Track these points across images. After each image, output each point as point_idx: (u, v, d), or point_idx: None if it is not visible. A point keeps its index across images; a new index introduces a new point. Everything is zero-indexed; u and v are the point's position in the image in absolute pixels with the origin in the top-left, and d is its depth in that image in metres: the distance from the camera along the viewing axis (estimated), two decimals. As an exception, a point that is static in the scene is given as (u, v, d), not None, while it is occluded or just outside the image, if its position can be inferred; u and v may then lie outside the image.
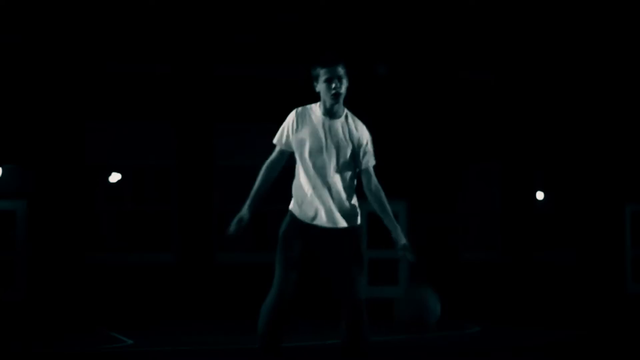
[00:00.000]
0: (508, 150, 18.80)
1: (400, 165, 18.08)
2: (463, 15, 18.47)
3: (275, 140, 5.57)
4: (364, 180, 5.51)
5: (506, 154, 18.81)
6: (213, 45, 17.41)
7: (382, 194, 5.50)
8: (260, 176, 5.59)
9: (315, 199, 5.42)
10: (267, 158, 5.69)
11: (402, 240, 5.40)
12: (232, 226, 5.58)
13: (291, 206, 5.53)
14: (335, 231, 5.42)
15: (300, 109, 5.54)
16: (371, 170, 5.51)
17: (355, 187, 5.52)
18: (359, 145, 5.48)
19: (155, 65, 17.16)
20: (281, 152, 5.56)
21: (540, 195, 19.29)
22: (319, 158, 5.42)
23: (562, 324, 12.68)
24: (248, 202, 5.59)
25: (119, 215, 17.27)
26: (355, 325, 5.44)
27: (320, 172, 5.43)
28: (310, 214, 5.43)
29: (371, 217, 13.02)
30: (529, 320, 14.03)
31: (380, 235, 17.08)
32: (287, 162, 5.68)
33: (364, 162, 5.49)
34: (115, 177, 17.27)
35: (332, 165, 5.42)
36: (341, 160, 5.44)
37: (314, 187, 5.43)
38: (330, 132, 5.45)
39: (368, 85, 17.85)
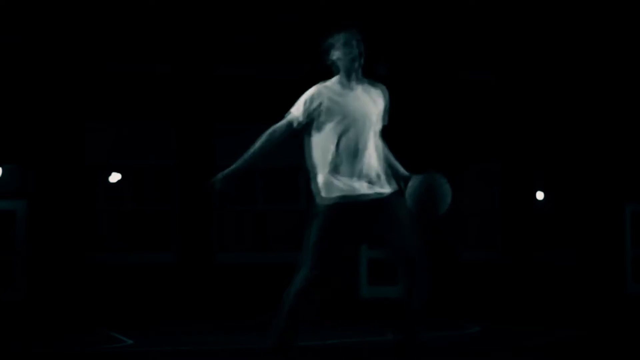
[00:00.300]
0: (508, 150, 18.80)
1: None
2: (463, 15, 18.47)
3: (293, 110, 5.44)
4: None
5: (506, 154, 18.80)
6: (213, 45, 17.41)
7: (385, 147, 5.55)
8: (262, 142, 5.48)
9: (351, 171, 5.30)
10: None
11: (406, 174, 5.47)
12: (220, 182, 5.46)
13: (325, 192, 5.36)
14: (382, 200, 5.33)
15: (321, 84, 5.46)
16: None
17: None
18: (383, 107, 5.48)
19: (155, 65, 17.16)
20: (291, 124, 5.44)
21: (540, 195, 19.29)
22: (352, 128, 5.32)
23: (562, 324, 12.67)
24: (240, 162, 5.49)
25: (119, 215, 17.27)
26: (418, 285, 5.30)
27: (355, 142, 5.33)
28: (349, 188, 5.29)
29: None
30: (529, 320, 14.02)
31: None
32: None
33: (382, 121, 5.51)
34: (115, 177, 17.27)
35: (364, 133, 5.34)
36: (372, 126, 5.37)
37: (348, 159, 5.31)
38: (358, 99, 5.37)
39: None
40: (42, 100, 16.57)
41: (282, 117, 5.70)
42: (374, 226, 5.31)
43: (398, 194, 5.38)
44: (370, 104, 5.40)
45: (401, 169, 5.54)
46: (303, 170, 5.52)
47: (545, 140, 18.93)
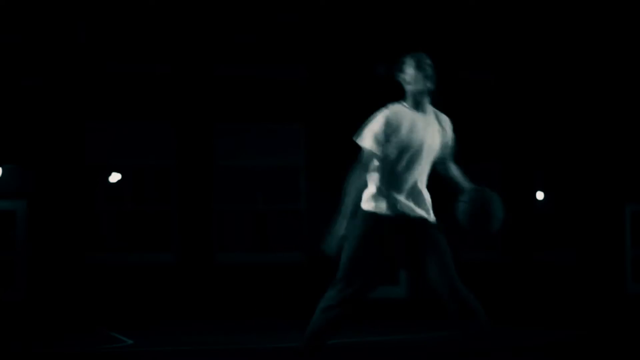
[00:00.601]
0: (508, 150, 18.81)
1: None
2: (463, 15, 18.47)
3: (367, 145, 5.32)
4: (444, 167, 5.57)
5: (506, 154, 18.81)
6: (213, 45, 17.41)
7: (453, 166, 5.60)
8: (354, 195, 5.31)
9: (404, 191, 5.31)
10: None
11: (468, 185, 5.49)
12: (333, 246, 5.27)
13: (370, 205, 5.34)
14: (426, 222, 5.33)
15: (389, 108, 5.38)
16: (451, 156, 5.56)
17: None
18: (447, 139, 5.49)
19: (155, 65, 17.16)
20: (372, 157, 5.33)
21: (540, 195, 19.29)
22: (409, 155, 5.32)
23: (562, 324, 12.67)
24: (340, 221, 5.26)
25: (119, 215, 17.27)
26: (476, 311, 5.37)
27: (411, 168, 5.35)
28: (399, 204, 5.28)
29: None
30: (529, 320, 14.02)
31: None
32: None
33: (449, 152, 5.53)
34: (115, 177, 17.27)
35: (420, 161, 5.35)
36: (428, 155, 5.39)
37: (398, 183, 5.31)
38: (421, 128, 5.35)
39: (368, 85, 17.87)
40: (42, 100, 16.58)
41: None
42: (413, 245, 5.31)
43: (440, 228, 5.41)
44: (431, 134, 5.39)
45: (465, 183, 5.54)
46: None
47: (545, 140, 18.93)
